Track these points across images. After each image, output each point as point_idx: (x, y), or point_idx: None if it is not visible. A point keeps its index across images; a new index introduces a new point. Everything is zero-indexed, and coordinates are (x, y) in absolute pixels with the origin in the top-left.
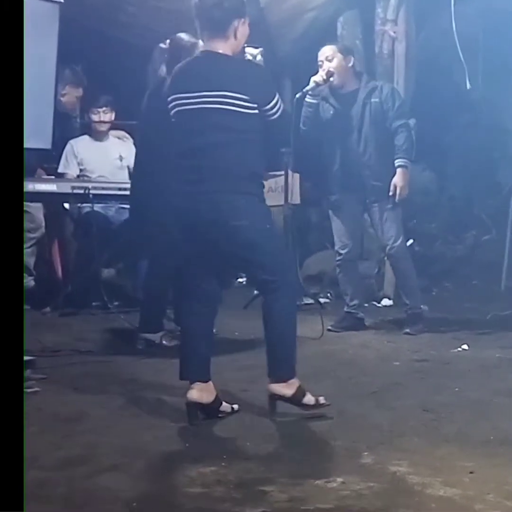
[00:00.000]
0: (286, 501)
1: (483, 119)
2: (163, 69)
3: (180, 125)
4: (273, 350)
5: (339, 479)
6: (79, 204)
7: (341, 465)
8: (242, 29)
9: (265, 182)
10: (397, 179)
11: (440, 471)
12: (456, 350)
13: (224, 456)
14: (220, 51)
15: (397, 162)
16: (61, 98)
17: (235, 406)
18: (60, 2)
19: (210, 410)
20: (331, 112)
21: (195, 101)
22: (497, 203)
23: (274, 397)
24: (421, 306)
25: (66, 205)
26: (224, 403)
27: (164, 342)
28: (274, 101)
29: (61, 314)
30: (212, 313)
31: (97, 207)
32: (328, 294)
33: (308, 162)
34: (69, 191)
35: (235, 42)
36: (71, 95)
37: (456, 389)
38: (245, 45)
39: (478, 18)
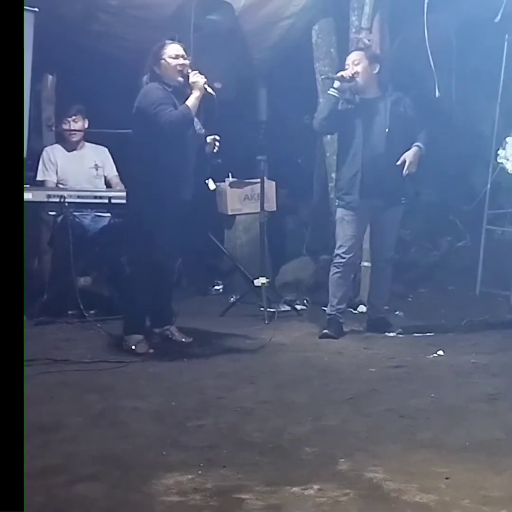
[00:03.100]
0: (263, 508)
1: (458, 125)
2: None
3: None
4: None
5: (316, 486)
6: (54, 212)
7: (317, 472)
8: None
9: (241, 190)
10: (409, 153)
11: (416, 477)
12: (431, 356)
13: (201, 464)
14: None
15: (415, 144)
16: None
17: None
18: (35, 11)
19: None
20: (357, 116)
21: None
22: (471, 209)
23: None
24: (397, 312)
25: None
26: None
27: (136, 349)
28: None
29: (36, 323)
30: None
31: (73, 215)
32: (304, 301)
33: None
34: (45, 199)
35: None
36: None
37: (432, 395)
38: (190, 70)
39: (452, 26)
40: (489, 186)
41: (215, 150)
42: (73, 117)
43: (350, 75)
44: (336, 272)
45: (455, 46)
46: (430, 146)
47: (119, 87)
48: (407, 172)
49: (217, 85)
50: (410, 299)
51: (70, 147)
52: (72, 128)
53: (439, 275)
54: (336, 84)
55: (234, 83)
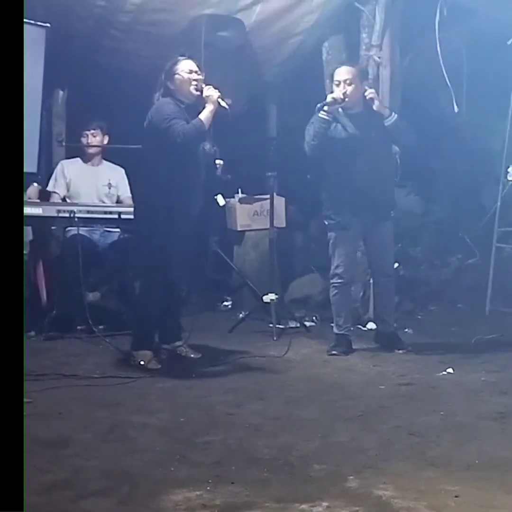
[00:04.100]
0: None
1: (468, 143)
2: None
3: None
4: None
5: (325, 503)
6: (64, 227)
7: (326, 489)
8: None
9: (250, 206)
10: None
11: (425, 495)
12: (441, 374)
13: (210, 481)
14: None
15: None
16: None
17: None
18: (47, 27)
19: None
20: (343, 132)
21: None
22: (481, 226)
23: None
24: (406, 329)
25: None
26: None
27: (145, 364)
28: None
29: (46, 338)
30: None
31: (82, 230)
32: (314, 318)
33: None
34: (55, 214)
35: None
36: None
37: (442, 412)
38: (203, 85)
39: (462, 43)
40: (499, 203)
41: (218, 173)
42: (92, 131)
43: (342, 97)
44: (336, 293)
45: (466, 63)
46: (441, 164)
47: (130, 103)
48: (369, 96)
49: (228, 101)
50: (419, 316)
51: (87, 159)
52: (89, 142)
53: (449, 293)
54: (326, 107)
55: (244, 100)
